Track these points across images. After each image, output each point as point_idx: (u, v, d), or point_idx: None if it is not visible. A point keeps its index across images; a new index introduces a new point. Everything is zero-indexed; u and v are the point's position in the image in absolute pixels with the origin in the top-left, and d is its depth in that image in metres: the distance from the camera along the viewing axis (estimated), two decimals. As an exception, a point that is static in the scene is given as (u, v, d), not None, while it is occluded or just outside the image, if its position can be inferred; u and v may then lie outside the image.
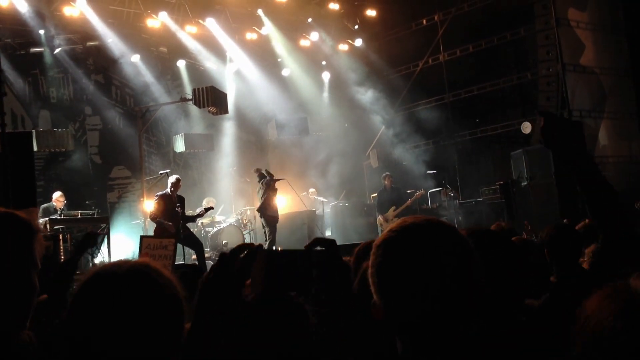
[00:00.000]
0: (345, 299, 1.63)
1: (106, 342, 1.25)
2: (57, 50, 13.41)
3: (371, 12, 16.94)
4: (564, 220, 8.06)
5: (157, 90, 14.91)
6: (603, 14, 14.65)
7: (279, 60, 16.80)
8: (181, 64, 15.50)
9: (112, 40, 13.80)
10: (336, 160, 16.28)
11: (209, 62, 15.77)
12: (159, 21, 14.08)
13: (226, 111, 12.93)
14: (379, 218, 13.69)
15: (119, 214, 14.04)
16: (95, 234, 3.51)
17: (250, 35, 15.77)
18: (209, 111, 12.46)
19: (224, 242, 12.67)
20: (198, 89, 12.12)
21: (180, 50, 15.16)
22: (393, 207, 13.41)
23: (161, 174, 11.60)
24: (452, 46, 15.86)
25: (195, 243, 10.55)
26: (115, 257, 10.09)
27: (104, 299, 1.29)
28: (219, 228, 13.10)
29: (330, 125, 16.99)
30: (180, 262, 9.40)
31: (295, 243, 13.25)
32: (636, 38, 14.45)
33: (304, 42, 16.63)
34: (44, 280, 2.23)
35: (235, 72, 16.22)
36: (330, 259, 1.61)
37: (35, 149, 10.38)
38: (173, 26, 14.46)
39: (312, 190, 15.24)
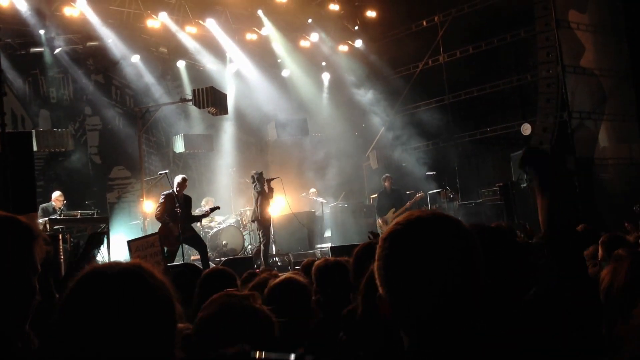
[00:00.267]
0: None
1: (97, 343, 1.25)
2: (57, 51, 13.41)
3: (371, 13, 16.94)
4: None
5: (157, 91, 14.91)
6: (603, 15, 14.64)
7: (278, 60, 16.81)
8: (181, 64, 15.50)
9: (112, 41, 13.80)
10: (336, 161, 16.28)
11: (209, 63, 15.78)
12: (159, 22, 14.08)
13: (226, 112, 12.93)
14: (379, 220, 13.70)
15: (119, 214, 14.06)
16: (98, 233, 3.55)
17: (250, 36, 15.78)
18: (209, 112, 12.46)
19: (223, 242, 12.67)
20: (198, 89, 12.12)
21: (180, 51, 15.16)
22: (392, 209, 13.42)
23: (160, 174, 11.59)
24: (452, 47, 15.85)
25: (199, 244, 10.56)
26: (115, 258, 10.11)
27: (95, 300, 1.29)
28: (218, 229, 13.09)
29: (329, 126, 16.99)
30: (180, 262, 9.41)
31: (295, 243, 13.25)
32: (636, 40, 14.45)
33: (304, 43, 16.63)
34: (44, 283, 2.23)
35: (235, 73, 16.23)
36: None
37: (35, 149, 10.38)
38: (173, 27, 14.47)
39: (313, 190, 15.24)
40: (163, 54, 15.21)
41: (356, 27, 17.34)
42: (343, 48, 17.15)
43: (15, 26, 12.53)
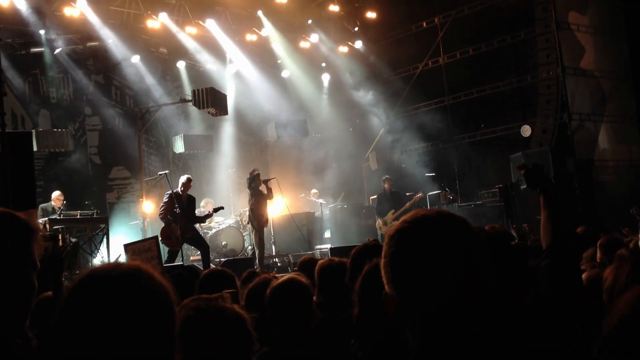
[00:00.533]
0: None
1: (96, 346, 1.25)
2: (57, 51, 13.41)
3: (371, 14, 16.93)
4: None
5: (157, 91, 14.90)
6: (603, 17, 14.65)
7: (278, 61, 16.81)
8: (181, 64, 15.50)
9: (112, 41, 13.80)
10: (335, 162, 16.28)
11: (209, 63, 15.78)
12: (159, 22, 14.08)
13: (226, 112, 12.93)
14: (378, 221, 13.69)
15: (118, 214, 14.06)
16: (56, 253, 2.53)
17: (250, 37, 15.77)
18: (209, 112, 12.47)
19: (223, 243, 12.66)
20: (198, 90, 12.12)
21: (180, 51, 15.16)
22: (392, 211, 13.41)
23: (160, 174, 11.60)
24: (452, 49, 15.85)
25: (201, 244, 10.58)
26: (115, 258, 10.11)
27: (94, 303, 1.28)
28: (218, 229, 13.09)
29: (329, 127, 16.99)
30: (179, 264, 9.40)
31: (294, 244, 13.26)
32: (636, 41, 14.46)
33: (304, 44, 16.63)
34: (44, 279, 2.23)
35: (235, 73, 16.22)
36: None
37: (35, 149, 10.36)
38: (173, 27, 14.47)
39: (314, 191, 15.22)
40: (163, 55, 15.21)
41: (356, 28, 17.33)
42: (343, 49, 17.15)
43: (16, 26, 12.52)
